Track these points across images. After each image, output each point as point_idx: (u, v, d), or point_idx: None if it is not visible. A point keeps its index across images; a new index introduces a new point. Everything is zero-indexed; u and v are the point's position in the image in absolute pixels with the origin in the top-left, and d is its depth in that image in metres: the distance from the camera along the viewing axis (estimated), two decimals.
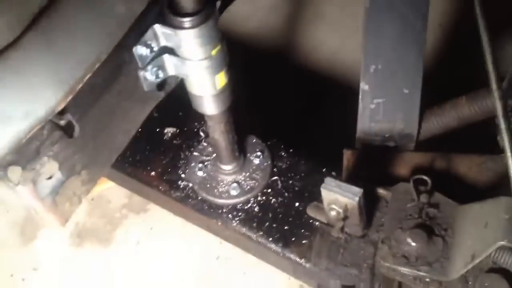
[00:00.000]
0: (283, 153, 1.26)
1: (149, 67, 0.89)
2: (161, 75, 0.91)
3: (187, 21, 0.85)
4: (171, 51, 0.90)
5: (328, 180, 1.07)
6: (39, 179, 0.79)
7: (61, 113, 0.77)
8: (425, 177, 1.10)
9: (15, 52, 0.66)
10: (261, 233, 1.16)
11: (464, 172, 1.18)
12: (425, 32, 1.11)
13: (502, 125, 0.86)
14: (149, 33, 0.86)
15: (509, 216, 0.87)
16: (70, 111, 0.79)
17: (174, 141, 1.29)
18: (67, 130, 0.81)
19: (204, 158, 1.25)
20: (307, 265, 1.13)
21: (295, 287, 1.50)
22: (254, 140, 1.26)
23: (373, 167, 1.21)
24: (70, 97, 0.76)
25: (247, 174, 1.22)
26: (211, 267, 1.55)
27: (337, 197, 1.06)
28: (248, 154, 1.24)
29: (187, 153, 1.27)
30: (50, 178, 0.81)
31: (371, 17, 1.13)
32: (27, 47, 0.67)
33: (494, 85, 0.86)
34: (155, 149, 1.28)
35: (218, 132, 1.10)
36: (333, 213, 1.08)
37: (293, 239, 1.15)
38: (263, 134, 1.27)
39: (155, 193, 1.25)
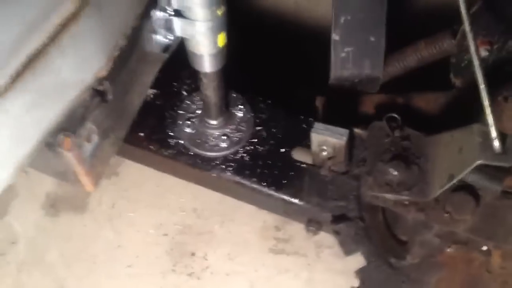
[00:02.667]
0: (262, 105, 1.35)
1: (161, 30, 0.94)
2: (170, 36, 0.97)
3: None
4: (180, 14, 0.95)
5: (317, 125, 1.19)
6: (83, 144, 0.84)
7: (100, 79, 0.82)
8: (395, 115, 1.25)
9: (75, 26, 0.69)
10: (255, 179, 1.26)
11: (423, 108, 1.34)
12: None
13: (475, 60, 1.00)
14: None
15: (483, 139, 1.03)
16: (106, 77, 0.83)
17: (157, 102, 1.33)
18: (103, 96, 0.85)
19: (190, 115, 1.31)
20: (300, 203, 1.25)
21: (271, 229, 1.63)
22: (235, 95, 1.34)
23: (344, 110, 1.34)
24: (110, 64, 0.80)
25: (233, 126, 1.31)
26: (190, 220, 1.63)
27: (327, 139, 1.19)
28: (231, 108, 1.32)
29: (171, 113, 1.32)
30: (89, 142, 0.85)
31: None
32: (84, 19, 0.70)
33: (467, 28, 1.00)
34: (139, 111, 1.32)
35: (211, 89, 1.17)
36: (323, 153, 1.20)
37: (284, 181, 1.26)
38: (241, 88, 1.36)
39: (145, 153, 1.30)
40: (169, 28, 0.95)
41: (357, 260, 1.60)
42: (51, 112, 0.73)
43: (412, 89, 1.35)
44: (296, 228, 1.63)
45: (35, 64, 0.65)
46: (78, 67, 0.73)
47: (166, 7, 0.91)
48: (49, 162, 0.84)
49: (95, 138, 0.86)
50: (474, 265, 1.22)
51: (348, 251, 1.23)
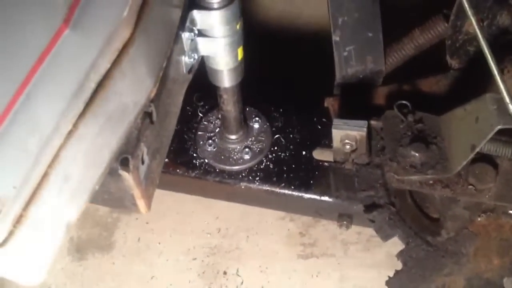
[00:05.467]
0: (275, 114, 1.40)
1: (187, 50, 0.99)
2: (195, 56, 1.01)
3: (219, 2, 0.95)
4: (203, 33, 1.00)
5: (336, 121, 1.25)
6: (139, 166, 0.86)
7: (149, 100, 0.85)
8: (405, 102, 1.31)
9: (131, 49, 0.73)
10: (283, 184, 1.30)
11: (427, 92, 1.41)
12: None
13: (479, 34, 1.07)
14: (189, 19, 0.95)
15: (497, 106, 1.10)
16: (153, 98, 0.87)
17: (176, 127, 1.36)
18: (151, 117, 0.88)
19: (210, 134, 1.35)
20: (330, 199, 1.30)
21: (296, 235, 1.66)
22: (248, 108, 1.39)
23: (355, 106, 1.40)
24: (157, 85, 0.84)
25: (253, 138, 1.35)
26: (216, 240, 1.65)
27: (348, 132, 1.24)
28: (248, 121, 1.37)
29: (191, 135, 1.36)
30: (143, 164, 0.88)
31: None
32: (138, 42, 0.74)
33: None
34: None
35: (231, 104, 1.22)
36: (347, 147, 1.25)
37: (311, 182, 1.31)
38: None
39: (173, 178, 1.33)
40: (194, 48, 1.00)
41: (385, 251, 1.65)
42: (116, 135, 0.76)
43: (415, 75, 1.42)
44: (319, 231, 1.68)
45: (103, 89, 0.69)
46: (135, 89, 0.77)
47: (193, 27, 0.96)
48: (105, 188, 0.86)
49: (147, 159, 0.89)
50: (505, 229, 1.27)
51: (385, 236, 1.27)
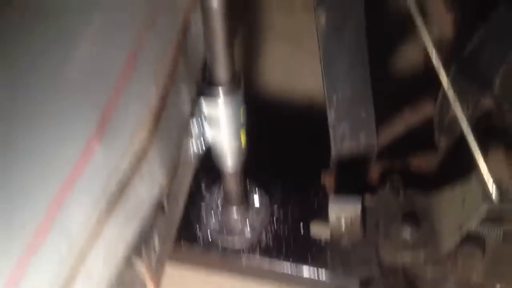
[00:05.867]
0: (275, 187, 1.46)
1: (195, 139, 1.06)
2: (203, 145, 1.08)
3: (223, 90, 1.03)
4: (210, 121, 1.07)
5: (332, 197, 1.31)
6: (151, 253, 0.92)
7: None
8: (396, 178, 1.39)
9: (149, 151, 0.80)
10: (281, 259, 1.35)
11: (419, 168, 1.48)
12: (368, 68, 1.40)
13: (463, 120, 1.15)
14: (197, 113, 1.03)
15: (482, 188, 1.17)
16: (165, 190, 0.93)
17: None
18: (163, 207, 0.94)
19: (213, 208, 1.41)
20: (327, 274, 1.35)
21: None
22: (248, 181, 1.45)
23: (350, 182, 1.46)
24: (170, 178, 0.90)
25: (253, 211, 1.41)
26: None
27: (343, 209, 1.30)
28: (248, 194, 1.43)
29: (195, 208, 1.41)
30: (155, 251, 0.94)
31: (327, 61, 1.39)
32: (154, 144, 0.81)
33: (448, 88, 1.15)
34: None
35: (233, 183, 1.28)
36: (342, 223, 1.31)
37: (308, 256, 1.36)
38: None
39: (177, 251, 1.37)
40: (202, 136, 1.07)
41: None
42: (132, 229, 0.82)
43: (408, 151, 1.50)
44: None
45: (123, 191, 0.75)
46: (151, 186, 0.83)
47: (200, 115, 1.03)
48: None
49: (158, 245, 0.94)
50: None
51: None
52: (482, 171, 1.16)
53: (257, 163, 1.49)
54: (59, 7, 0.72)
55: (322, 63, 1.42)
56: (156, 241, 0.93)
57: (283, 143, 1.71)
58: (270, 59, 2.04)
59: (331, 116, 1.43)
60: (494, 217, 1.29)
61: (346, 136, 1.45)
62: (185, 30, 0.96)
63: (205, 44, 0.98)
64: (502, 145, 1.30)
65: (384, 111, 1.45)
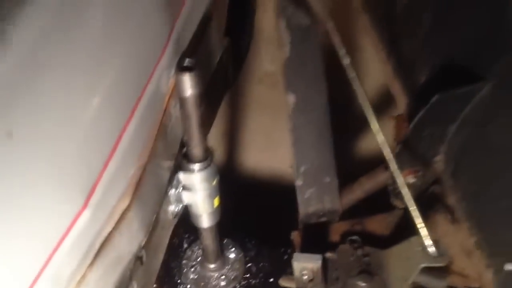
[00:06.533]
0: (249, 245, 1.66)
1: (174, 201, 1.27)
2: (180, 205, 1.29)
3: (199, 167, 1.25)
4: (187, 188, 1.29)
5: (296, 255, 1.51)
6: None
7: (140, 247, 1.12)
8: (355, 237, 1.58)
9: (129, 213, 1.01)
10: None
11: (375, 228, 1.68)
12: (332, 141, 1.62)
13: (404, 191, 1.36)
14: (175, 179, 1.24)
15: (421, 248, 1.36)
16: (144, 245, 1.14)
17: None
18: (141, 259, 1.14)
19: (193, 263, 1.60)
20: None
21: None
22: (226, 240, 1.65)
23: (315, 240, 1.66)
24: (147, 235, 1.11)
25: (229, 266, 1.60)
26: None
27: (305, 265, 1.49)
28: (225, 251, 1.63)
29: (177, 263, 1.61)
30: None
31: (295, 135, 1.62)
32: (134, 208, 1.02)
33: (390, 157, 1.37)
34: None
35: (210, 240, 1.48)
36: (304, 277, 1.50)
37: None
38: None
39: None
40: (179, 199, 1.28)
41: None
42: (113, 277, 1.02)
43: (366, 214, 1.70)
44: None
45: (104, 246, 0.96)
46: (130, 243, 1.04)
47: (177, 184, 1.25)
48: None
49: None
50: None
51: None
52: (422, 234, 1.36)
53: (234, 224, 1.70)
54: None
55: (291, 136, 1.64)
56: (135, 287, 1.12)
57: (260, 206, 1.92)
58: (253, 128, 2.28)
59: (298, 183, 1.64)
60: (437, 273, 1.48)
61: (312, 200, 1.66)
62: (165, 114, 1.19)
63: (182, 126, 1.21)
64: (443, 210, 1.51)
65: (346, 179, 1.67)
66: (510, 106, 1.32)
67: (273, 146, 2.22)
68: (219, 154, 2.21)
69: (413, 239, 1.42)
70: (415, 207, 1.37)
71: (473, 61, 1.43)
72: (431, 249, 1.36)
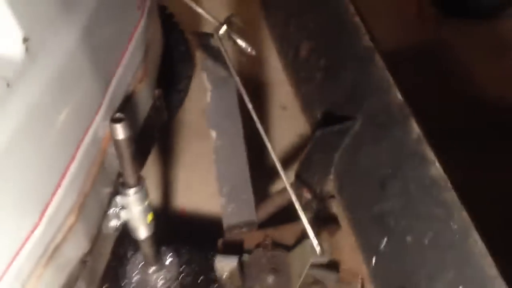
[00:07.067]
0: (183, 250, 2.05)
1: (114, 218, 1.65)
2: (119, 220, 1.67)
3: (133, 191, 1.63)
4: (124, 207, 1.67)
5: (218, 257, 1.90)
6: None
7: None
8: (267, 242, 1.98)
9: (75, 226, 1.39)
10: None
11: (284, 235, 2.08)
12: (248, 167, 2.02)
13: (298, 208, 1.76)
14: (113, 202, 1.63)
15: (310, 247, 1.76)
16: (87, 253, 1.52)
17: (112, 264, 2.00)
18: (85, 263, 1.52)
19: (135, 268, 1.98)
20: None
21: None
22: (163, 247, 2.03)
23: (236, 246, 2.05)
24: (91, 245, 1.50)
25: (165, 269, 1.98)
26: None
27: (225, 265, 1.88)
28: (163, 256, 2.01)
29: (122, 269, 1.99)
30: None
31: (218, 161, 2.02)
32: (79, 224, 1.41)
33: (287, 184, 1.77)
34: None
35: (146, 248, 1.86)
36: (225, 274, 1.89)
37: None
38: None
39: None
40: (118, 216, 1.66)
41: None
42: (63, 276, 1.39)
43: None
44: None
45: (54, 254, 1.34)
46: (75, 249, 1.41)
47: (116, 204, 1.63)
48: None
49: None
50: None
51: None
52: (311, 237, 1.77)
53: (169, 234, 2.09)
54: None
55: (214, 164, 2.03)
56: (82, 285, 1.50)
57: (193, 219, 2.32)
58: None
59: (222, 200, 2.04)
60: (331, 267, 1.89)
61: (234, 214, 2.05)
62: (104, 152, 1.58)
63: (118, 161, 1.60)
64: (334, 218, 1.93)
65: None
66: (371, 138, 1.75)
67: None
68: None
69: (305, 241, 1.82)
70: (304, 216, 1.78)
71: (349, 104, 1.86)
72: (317, 249, 1.76)
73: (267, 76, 3.04)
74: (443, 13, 3.13)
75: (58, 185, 1.34)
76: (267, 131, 2.57)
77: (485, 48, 3.03)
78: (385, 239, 1.59)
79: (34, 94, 1.20)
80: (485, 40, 3.07)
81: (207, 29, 2.04)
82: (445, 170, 1.42)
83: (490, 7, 3.07)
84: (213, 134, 2.02)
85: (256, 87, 2.96)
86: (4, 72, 1.12)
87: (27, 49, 1.15)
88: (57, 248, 1.34)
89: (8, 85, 1.12)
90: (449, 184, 1.39)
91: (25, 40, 1.15)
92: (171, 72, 2.52)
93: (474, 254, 1.30)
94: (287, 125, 2.79)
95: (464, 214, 1.32)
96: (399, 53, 2.90)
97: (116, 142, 1.51)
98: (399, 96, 1.64)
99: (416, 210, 1.48)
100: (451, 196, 1.37)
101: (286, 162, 2.43)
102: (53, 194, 1.32)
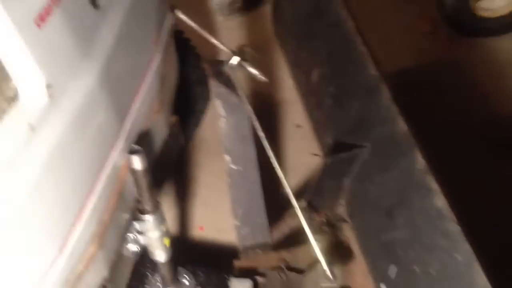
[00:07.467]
0: (199, 272, 2.12)
1: (133, 243, 1.73)
2: (138, 245, 1.75)
3: (150, 217, 1.71)
4: (142, 233, 1.74)
5: (232, 280, 1.96)
6: None
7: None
8: (282, 265, 2.05)
9: (96, 256, 1.47)
10: None
11: (296, 258, 2.13)
12: (261, 191, 2.08)
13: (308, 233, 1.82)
14: (132, 227, 1.71)
15: (323, 272, 1.82)
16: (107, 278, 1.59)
17: (132, 283, 2.08)
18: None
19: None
20: None
21: None
22: (180, 268, 2.11)
23: (251, 267, 2.11)
24: (110, 270, 1.58)
25: None
26: None
27: None
28: (179, 277, 2.08)
29: None
30: None
31: (232, 186, 2.08)
32: (100, 254, 1.49)
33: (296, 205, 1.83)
34: None
35: (165, 270, 1.94)
36: None
37: None
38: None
39: None
40: (136, 241, 1.74)
41: None
42: None
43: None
44: None
45: (78, 280, 1.42)
46: (96, 277, 1.50)
47: (136, 230, 1.71)
48: None
49: None
50: None
51: None
52: (323, 263, 1.83)
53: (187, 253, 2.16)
54: None
55: (229, 187, 2.10)
56: None
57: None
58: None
59: (237, 224, 2.10)
60: None
61: (248, 236, 2.12)
62: (122, 182, 1.65)
63: (136, 189, 1.67)
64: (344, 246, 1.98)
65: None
66: (379, 167, 1.80)
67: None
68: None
69: (318, 266, 1.88)
70: (315, 241, 1.84)
71: (357, 131, 1.91)
72: (329, 274, 1.82)
73: (282, 95, 3.09)
74: (456, 32, 3.16)
75: (77, 219, 1.42)
76: (281, 149, 2.65)
77: (497, 65, 3.05)
78: (394, 267, 1.64)
79: (56, 136, 1.27)
80: (497, 57, 3.10)
81: (222, 55, 2.12)
82: (449, 202, 1.46)
83: (501, 25, 3.10)
84: (227, 158, 2.09)
85: (271, 106, 3.02)
86: (28, 118, 1.20)
87: (50, 95, 1.23)
88: (79, 277, 1.42)
89: (32, 129, 1.20)
90: (453, 216, 1.43)
91: (48, 86, 1.23)
92: (188, 94, 2.59)
93: (478, 286, 1.35)
94: (301, 144, 2.84)
95: (467, 246, 1.37)
96: (412, 71, 2.96)
97: (134, 173, 1.59)
98: (405, 126, 1.69)
99: (423, 240, 1.53)
100: (455, 228, 1.41)
101: (299, 184, 2.49)
102: (72, 227, 1.39)
